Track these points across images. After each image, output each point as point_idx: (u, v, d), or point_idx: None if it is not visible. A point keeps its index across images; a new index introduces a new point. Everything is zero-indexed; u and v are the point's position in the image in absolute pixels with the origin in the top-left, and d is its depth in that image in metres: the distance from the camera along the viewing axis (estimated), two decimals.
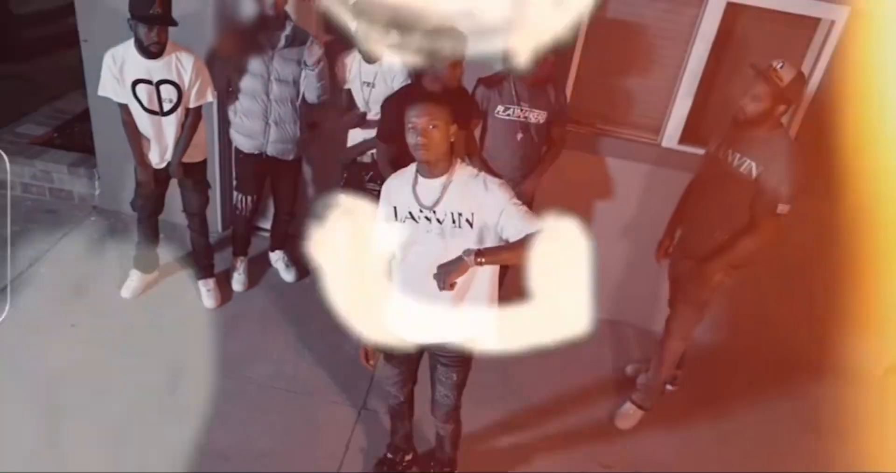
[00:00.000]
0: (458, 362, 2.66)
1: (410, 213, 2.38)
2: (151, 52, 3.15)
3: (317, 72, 3.47)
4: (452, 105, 3.30)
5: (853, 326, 3.96)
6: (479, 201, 2.31)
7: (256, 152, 3.66)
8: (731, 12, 3.35)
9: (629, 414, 3.54)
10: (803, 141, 3.39)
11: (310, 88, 3.52)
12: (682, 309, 3.32)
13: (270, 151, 3.65)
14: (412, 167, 2.42)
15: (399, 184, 2.43)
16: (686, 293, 3.27)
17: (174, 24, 3.12)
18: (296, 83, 3.51)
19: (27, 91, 5.20)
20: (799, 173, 2.88)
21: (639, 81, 3.64)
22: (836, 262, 3.70)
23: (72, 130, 4.78)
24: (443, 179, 2.34)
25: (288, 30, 3.41)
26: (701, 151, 3.65)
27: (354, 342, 3.67)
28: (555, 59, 3.24)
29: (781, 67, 2.83)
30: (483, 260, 2.25)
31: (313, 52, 3.45)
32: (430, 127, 2.25)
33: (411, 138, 2.27)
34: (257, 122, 3.56)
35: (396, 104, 3.10)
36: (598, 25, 3.50)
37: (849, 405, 3.89)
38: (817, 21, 3.33)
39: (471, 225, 2.32)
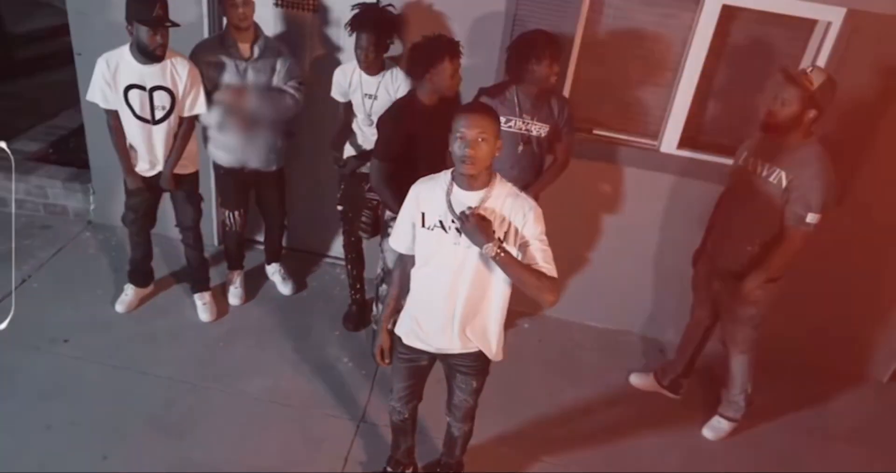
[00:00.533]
0: (477, 370, 2.64)
1: (441, 222, 2.33)
2: (157, 55, 3.12)
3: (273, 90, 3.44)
4: (449, 117, 3.30)
5: (859, 331, 3.92)
6: (513, 227, 2.29)
7: (238, 166, 3.61)
8: (727, 16, 3.34)
9: (717, 427, 3.52)
10: None
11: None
12: (730, 328, 3.30)
13: (252, 163, 3.61)
14: (446, 175, 2.36)
15: (431, 190, 2.37)
16: (730, 312, 3.24)
17: (176, 24, 3.11)
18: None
19: (22, 109, 5.19)
20: (830, 183, 2.84)
21: (636, 86, 3.61)
22: (842, 266, 3.66)
23: (66, 146, 4.76)
24: (482, 193, 2.29)
25: (260, 41, 3.39)
26: (700, 157, 3.66)
27: (361, 347, 3.69)
28: (559, 71, 3.21)
29: (811, 71, 2.80)
30: (502, 255, 2.22)
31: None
32: (479, 139, 2.18)
33: (458, 150, 2.20)
34: (236, 135, 3.52)
35: (393, 120, 3.05)
36: (595, 31, 3.49)
37: (858, 412, 3.83)
38: (813, 23, 3.31)
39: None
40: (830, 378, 3.97)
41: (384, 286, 3.47)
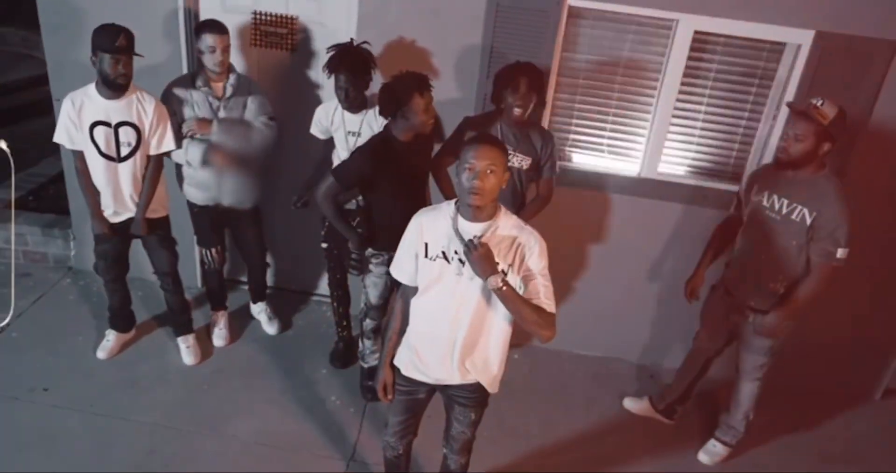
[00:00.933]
0: (476, 402, 2.61)
1: (444, 253, 2.32)
2: (119, 85, 3.10)
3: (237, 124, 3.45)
4: (427, 153, 3.31)
5: (852, 349, 3.90)
6: (517, 260, 2.28)
7: (212, 204, 3.59)
8: (699, 42, 3.39)
9: (712, 450, 3.47)
10: None
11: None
12: (746, 357, 3.26)
13: (225, 201, 3.59)
14: (449, 205, 2.36)
15: (434, 220, 2.36)
16: (748, 342, 3.21)
17: (139, 55, 3.11)
18: None
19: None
20: (850, 215, 2.83)
21: (614, 112, 3.64)
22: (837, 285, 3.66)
23: (46, 193, 4.72)
24: (487, 224, 2.28)
25: (232, 79, 3.41)
26: (682, 180, 3.68)
27: (349, 384, 3.62)
28: (528, 104, 3.21)
29: (822, 105, 2.77)
30: (504, 289, 2.21)
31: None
32: (488, 171, 2.18)
33: (466, 181, 2.20)
34: (209, 172, 3.50)
35: (365, 157, 3.03)
36: (571, 61, 3.53)
37: (853, 431, 3.80)
38: (783, 46, 3.37)
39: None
40: (824, 398, 3.94)
41: (368, 321, 3.43)
